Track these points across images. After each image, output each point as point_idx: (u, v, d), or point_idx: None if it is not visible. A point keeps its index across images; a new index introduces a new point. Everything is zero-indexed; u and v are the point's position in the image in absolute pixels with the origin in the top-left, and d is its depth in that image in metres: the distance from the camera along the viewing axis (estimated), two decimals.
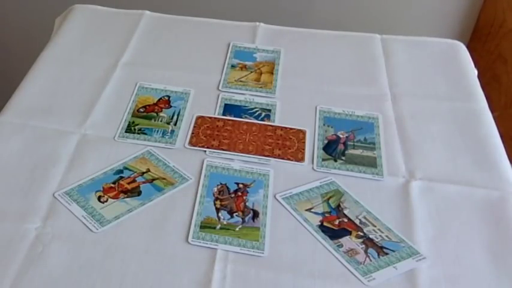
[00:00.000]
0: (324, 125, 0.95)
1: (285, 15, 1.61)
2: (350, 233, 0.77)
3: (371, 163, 0.88)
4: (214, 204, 0.81)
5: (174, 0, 1.63)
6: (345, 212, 0.80)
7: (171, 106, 0.97)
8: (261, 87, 1.02)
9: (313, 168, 0.87)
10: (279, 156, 0.88)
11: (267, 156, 0.88)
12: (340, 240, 0.76)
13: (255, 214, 0.79)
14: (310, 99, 0.99)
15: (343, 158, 0.89)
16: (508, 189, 0.83)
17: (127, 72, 1.04)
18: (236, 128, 0.93)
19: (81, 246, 0.74)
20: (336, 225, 0.78)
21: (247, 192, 0.83)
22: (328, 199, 0.82)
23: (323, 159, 0.88)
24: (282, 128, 0.94)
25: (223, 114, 0.96)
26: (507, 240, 0.76)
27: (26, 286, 0.69)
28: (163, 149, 0.89)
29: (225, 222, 0.78)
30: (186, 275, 0.71)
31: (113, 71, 1.04)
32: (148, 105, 0.97)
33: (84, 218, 0.78)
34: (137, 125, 0.93)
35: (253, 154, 0.89)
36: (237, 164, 0.87)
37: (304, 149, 0.90)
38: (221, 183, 0.83)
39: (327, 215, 0.80)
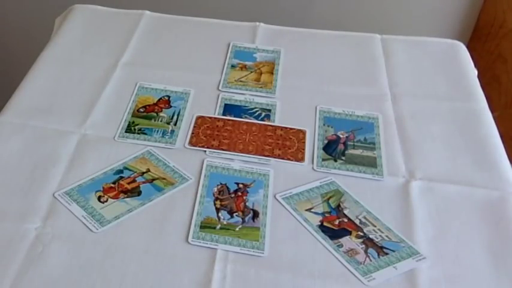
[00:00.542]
0: (324, 125, 0.95)
1: (285, 15, 1.61)
2: (350, 233, 0.77)
3: (371, 163, 0.88)
4: (214, 204, 0.81)
5: (174, 0, 1.62)
6: (345, 212, 0.80)
7: (171, 106, 0.97)
8: (261, 87, 1.02)
9: (313, 168, 0.87)
10: (279, 156, 0.88)
11: (267, 156, 0.88)
12: (340, 240, 0.76)
13: (255, 214, 0.79)
14: (310, 99, 0.99)
15: (343, 158, 0.89)
16: (508, 189, 0.83)
17: (127, 72, 1.04)
18: (236, 128, 0.93)
19: (81, 246, 0.74)
20: (336, 225, 0.78)
21: (247, 192, 0.83)
22: (328, 199, 0.82)
23: (323, 159, 0.88)
24: (282, 128, 0.93)
25: (223, 114, 0.96)
26: (507, 240, 0.76)
27: (26, 286, 0.69)
28: (163, 149, 0.89)
29: (225, 222, 0.78)
30: (186, 275, 0.71)
31: (113, 71, 1.04)
32: (148, 105, 0.97)
33: (84, 218, 0.78)
34: (137, 125, 0.93)
35: (253, 154, 0.89)
36: (237, 164, 0.87)
37: (304, 149, 0.90)
38: (221, 183, 0.83)
39: (327, 215, 0.80)
